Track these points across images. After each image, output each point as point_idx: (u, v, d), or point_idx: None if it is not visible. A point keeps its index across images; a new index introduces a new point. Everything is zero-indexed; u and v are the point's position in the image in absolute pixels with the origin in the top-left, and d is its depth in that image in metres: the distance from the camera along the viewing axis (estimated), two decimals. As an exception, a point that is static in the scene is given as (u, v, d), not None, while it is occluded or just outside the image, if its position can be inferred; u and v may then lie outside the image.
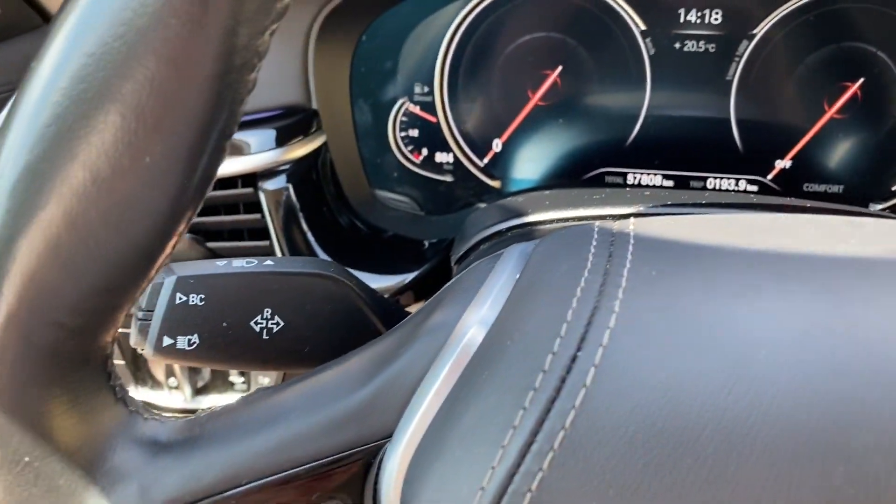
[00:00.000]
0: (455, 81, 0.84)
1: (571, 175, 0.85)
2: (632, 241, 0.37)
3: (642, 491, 0.27)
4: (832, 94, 0.78)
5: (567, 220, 0.53)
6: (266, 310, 0.47)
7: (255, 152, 0.77)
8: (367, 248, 0.84)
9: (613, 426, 0.29)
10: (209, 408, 0.40)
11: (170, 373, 0.85)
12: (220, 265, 0.48)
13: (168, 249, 0.34)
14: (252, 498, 0.36)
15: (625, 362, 0.30)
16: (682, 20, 0.78)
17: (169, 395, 0.86)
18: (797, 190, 0.81)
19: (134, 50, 0.28)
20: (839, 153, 0.80)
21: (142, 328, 0.47)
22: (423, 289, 0.80)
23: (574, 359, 0.30)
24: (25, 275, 0.30)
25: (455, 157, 0.86)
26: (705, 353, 0.30)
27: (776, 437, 0.27)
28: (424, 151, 0.86)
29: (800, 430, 0.27)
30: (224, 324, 0.47)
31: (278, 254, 0.79)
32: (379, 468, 0.36)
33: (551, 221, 0.54)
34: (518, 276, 0.38)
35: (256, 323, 0.47)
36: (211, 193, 0.77)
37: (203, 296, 0.47)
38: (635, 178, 0.84)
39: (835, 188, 0.81)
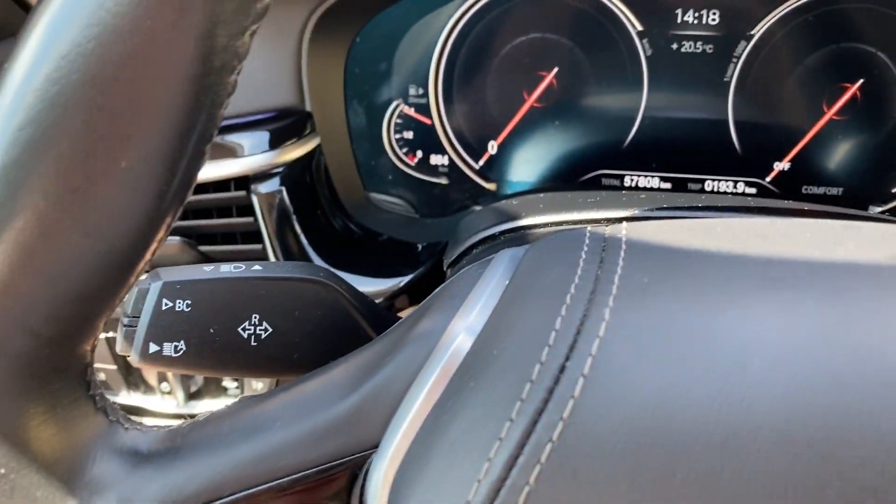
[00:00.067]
0: (450, 83, 0.83)
1: (568, 177, 0.84)
2: (624, 246, 0.36)
3: (631, 506, 0.27)
4: (831, 95, 0.77)
5: (561, 223, 0.52)
6: (254, 316, 0.47)
7: (248, 155, 0.77)
8: (362, 251, 0.83)
9: (602, 439, 0.28)
10: (192, 417, 0.39)
11: (162, 378, 0.84)
12: (207, 270, 0.47)
13: (147, 256, 0.33)
14: (234, 510, 0.35)
15: (614, 373, 0.29)
16: (679, 21, 0.77)
17: (161, 400, 0.85)
18: (796, 192, 0.80)
19: (108, 52, 0.27)
20: (838, 155, 0.79)
21: (127, 334, 0.46)
22: (418, 292, 0.79)
23: (562, 369, 0.30)
24: None
25: (450, 159, 0.85)
26: (697, 363, 0.29)
27: (769, 451, 0.27)
28: (419, 154, 0.86)
29: (793, 444, 0.26)
30: (211, 330, 0.46)
31: (271, 257, 0.78)
32: (365, 479, 0.35)
33: (545, 225, 0.53)
34: (507, 282, 0.37)
35: (244, 329, 0.46)
36: (203, 196, 0.77)
37: (190, 301, 0.46)
38: (632, 180, 0.83)
39: (834, 191, 0.80)
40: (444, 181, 0.86)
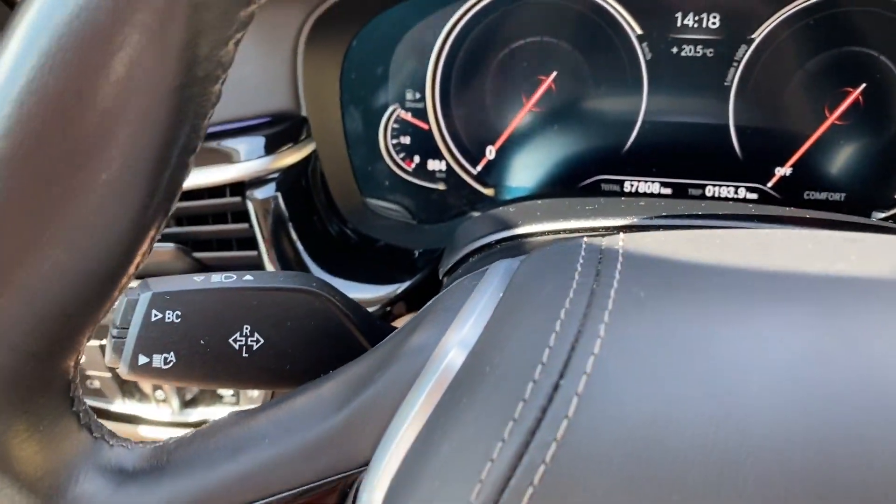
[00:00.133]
0: (447, 87, 0.82)
1: (567, 183, 0.83)
2: (620, 258, 0.35)
3: (626, 531, 0.26)
4: (833, 99, 0.76)
5: (558, 231, 0.52)
6: (245, 326, 0.46)
7: (243, 160, 0.76)
8: (358, 257, 0.82)
9: (596, 461, 0.27)
10: (187, 425, 0.38)
11: (157, 385, 0.83)
12: (197, 280, 0.46)
13: (131, 270, 0.32)
14: (221, 529, 0.35)
15: (609, 392, 0.28)
16: (679, 24, 0.76)
17: (157, 408, 0.84)
18: (798, 198, 0.80)
19: (86, 62, 0.27)
20: (841, 160, 0.78)
21: (116, 346, 0.45)
22: (415, 299, 0.78)
23: (556, 387, 0.29)
24: None
25: (448, 164, 0.84)
26: (694, 382, 0.28)
27: (768, 474, 0.26)
28: (416, 159, 0.85)
29: (793, 467, 0.26)
30: (202, 341, 0.45)
31: (267, 264, 0.77)
32: (355, 498, 0.34)
33: (542, 234, 0.52)
34: (501, 294, 0.36)
35: (235, 340, 0.46)
36: (198, 202, 0.76)
37: (179, 312, 0.45)
38: (632, 185, 0.82)
39: (836, 196, 0.79)
40: (441, 187, 0.85)
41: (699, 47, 0.77)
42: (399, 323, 0.75)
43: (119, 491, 0.35)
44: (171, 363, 0.45)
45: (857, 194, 0.79)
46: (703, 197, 0.81)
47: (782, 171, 0.79)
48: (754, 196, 0.80)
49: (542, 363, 0.30)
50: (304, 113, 0.79)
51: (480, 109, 0.82)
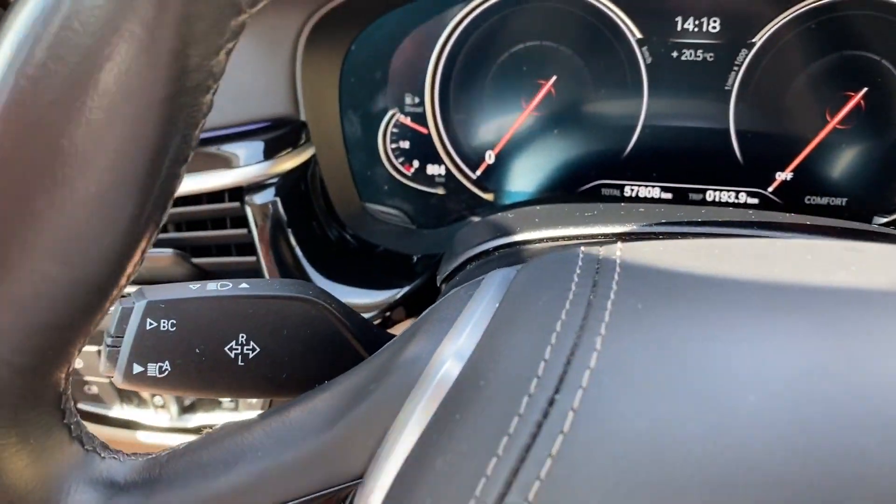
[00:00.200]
0: (446, 92, 0.82)
1: (566, 187, 0.82)
2: (618, 268, 0.35)
3: (622, 550, 0.25)
4: (834, 103, 0.76)
5: (556, 238, 0.51)
6: (241, 335, 0.45)
7: (242, 165, 0.76)
8: (357, 262, 0.82)
9: (592, 478, 0.26)
10: (186, 430, 0.38)
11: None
12: (192, 288, 0.46)
13: (122, 282, 0.32)
14: (214, 543, 0.34)
15: (606, 407, 0.28)
16: (679, 28, 0.76)
17: (155, 413, 0.84)
18: (799, 203, 0.79)
19: (75, 72, 0.26)
20: (842, 165, 0.77)
21: (111, 355, 0.45)
22: (414, 304, 0.78)
23: (551, 402, 0.28)
24: None
25: (447, 169, 0.84)
26: (692, 397, 0.27)
27: (767, 493, 0.25)
28: (416, 164, 0.84)
29: (792, 485, 0.25)
30: (197, 350, 0.45)
31: (265, 269, 0.77)
32: (349, 512, 0.34)
33: (540, 241, 0.51)
34: (497, 305, 0.36)
35: (231, 349, 0.45)
36: (197, 207, 0.76)
37: (175, 321, 0.45)
38: (632, 190, 0.82)
39: (837, 201, 0.78)
40: (440, 191, 0.85)
41: (699, 51, 0.76)
42: (398, 329, 0.75)
43: (110, 504, 0.34)
44: (167, 372, 0.45)
45: (859, 199, 0.78)
46: (703, 202, 0.81)
47: (783, 175, 0.79)
48: (755, 201, 0.80)
49: (537, 376, 0.29)
50: (302, 117, 0.79)
51: (480, 114, 0.82)
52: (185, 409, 0.84)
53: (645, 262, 0.35)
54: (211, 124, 0.77)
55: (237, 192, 0.76)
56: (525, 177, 0.83)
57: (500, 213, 0.59)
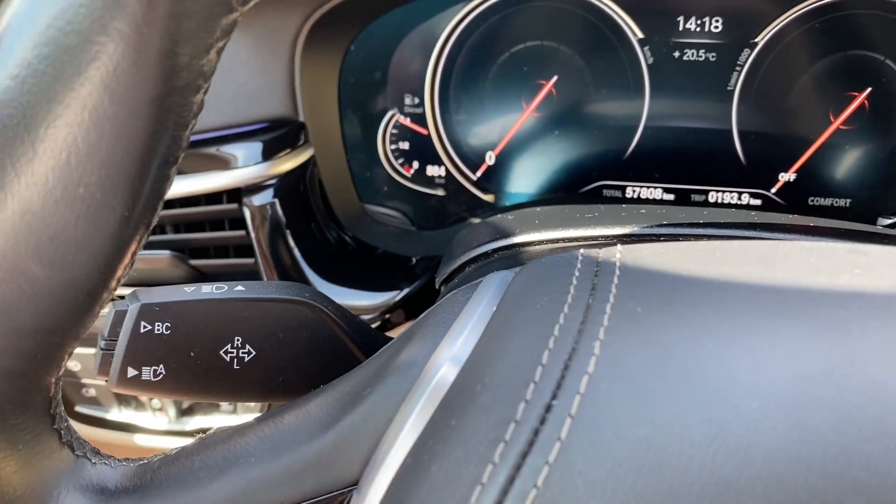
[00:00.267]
0: (446, 92, 0.81)
1: (568, 188, 0.82)
2: (617, 271, 0.34)
3: (621, 561, 0.25)
4: (838, 104, 0.75)
5: (556, 241, 0.51)
6: (236, 338, 0.45)
7: (240, 166, 0.75)
8: (357, 264, 0.81)
9: (590, 485, 0.26)
10: (184, 433, 0.37)
11: (153, 394, 0.82)
12: (187, 291, 0.45)
13: (112, 285, 0.31)
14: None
15: (604, 413, 0.27)
16: (681, 28, 0.75)
17: (153, 416, 0.83)
18: (802, 204, 0.78)
19: (61, 72, 0.26)
20: (846, 166, 0.77)
21: (104, 358, 0.44)
22: (413, 306, 0.77)
23: (549, 408, 0.28)
24: None
25: (447, 170, 0.83)
26: (692, 403, 0.27)
27: (769, 500, 0.25)
28: (415, 165, 0.84)
29: (796, 493, 0.24)
30: (192, 353, 0.44)
31: (263, 271, 0.76)
32: (344, 519, 0.34)
33: (539, 243, 0.51)
34: (494, 308, 0.35)
35: (226, 352, 0.45)
36: (195, 209, 0.75)
37: (169, 324, 0.44)
38: (634, 191, 0.81)
39: (841, 202, 0.78)
40: (440, 193, 0.84)
41: (702, 51, 0.76)
42: (398, 332, 0.74)
43: (100, 511, 0.34)
44: (161, 376, 0.44)
45: (863, 200, 0.77)
46: (706, 203, 0.80)
47: (786, 176, 0.78)
48: (758, 202, 0.79)
49: (534, 382, 0.29)
50: (301, 118, 0.78)
51: (480, 114, 0.81)
52: (184, 412, 0.84)
53: (645, 265, 0.35)
54: (209, 125, 0.76)
55: (235, 194, 0.75)
56: (526, 178, 0.83)
57: (499, 215, 0.58)
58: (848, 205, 0.78)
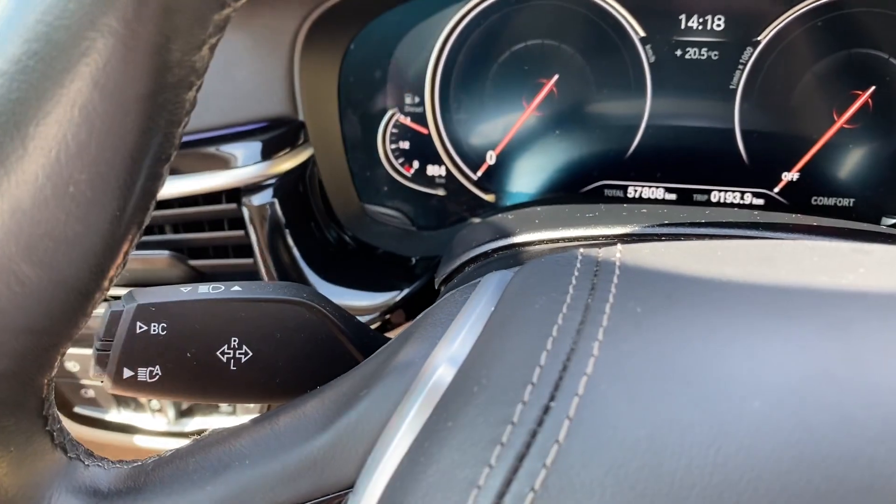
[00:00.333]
0: (447, 91, 0.81)
1: (569, 188, 0.81)
2: (617, 271, 0.34)
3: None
4: (842, 102, 0.74)
5: (556, 240, 0.50)
6: (233, 339, 0.44)
7: (239, 166, 0.75)
8: (356, 264, 0.81)
9: (588, 488, 0.25)
10: (183, 434, 0.37)
11: (152, 394, 0.82)
12: (184, 291, 0.45)
13: (105, 284, 0.31)
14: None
15: (602, 415, 0.27)
16: (683, 26, 0.75)
17: (152, 417, 0.83)
18: (805, 203, 0.78)
19: (51, 68, 0.25)
20: (849, 165, 0.76)
21: (100, 359, 0.44)
22: (413, 307, 0.77)
23: (546, 410, 0.27)
24: None
25: (447, 170, 0.83)
26: (692, 404, 0.26)
27: (771, 501, 0.24)
28: (416, 164, 0.83)
29: (798, 494, 0.24)
30: (188, 354, 0.44)
31: (262, 271, 0.76)
32: (339, 521, 0.33)
33: (539, 242, 0.50)
34: (493, 308, 0.35)
35: (223, 353, 0.44)
36: (194, 209, 0.75)
37: (165, 324, 0.44)
38: (636, 191, 0.81)
39: (845, 202, 0.77)
40: (441, 192, 0.84)
41: (704, 50, 0.75)
42: (397, 333, 0.74)
43: (93, 513, 0.33)
44: (157, 377, 0.44)
45: (867, 199, 0.77)
46: (708, 203, 0.79)
47: (789, 176, 0.77)
48: (761, 202, 0.78)
49: (532, 383, 0.28)
50: (301, 117, 0.78)
51: (480, 114, 0.81)
52: (183, 413, 0.83)
53: (645, 265, 0.34)
54: (208, 124, 0.76)
55: (234, 193, 0.75)
56: (527, 177, 0.82)
57: (499, 215, 0.58)
58: (852, 204, 0.77)
